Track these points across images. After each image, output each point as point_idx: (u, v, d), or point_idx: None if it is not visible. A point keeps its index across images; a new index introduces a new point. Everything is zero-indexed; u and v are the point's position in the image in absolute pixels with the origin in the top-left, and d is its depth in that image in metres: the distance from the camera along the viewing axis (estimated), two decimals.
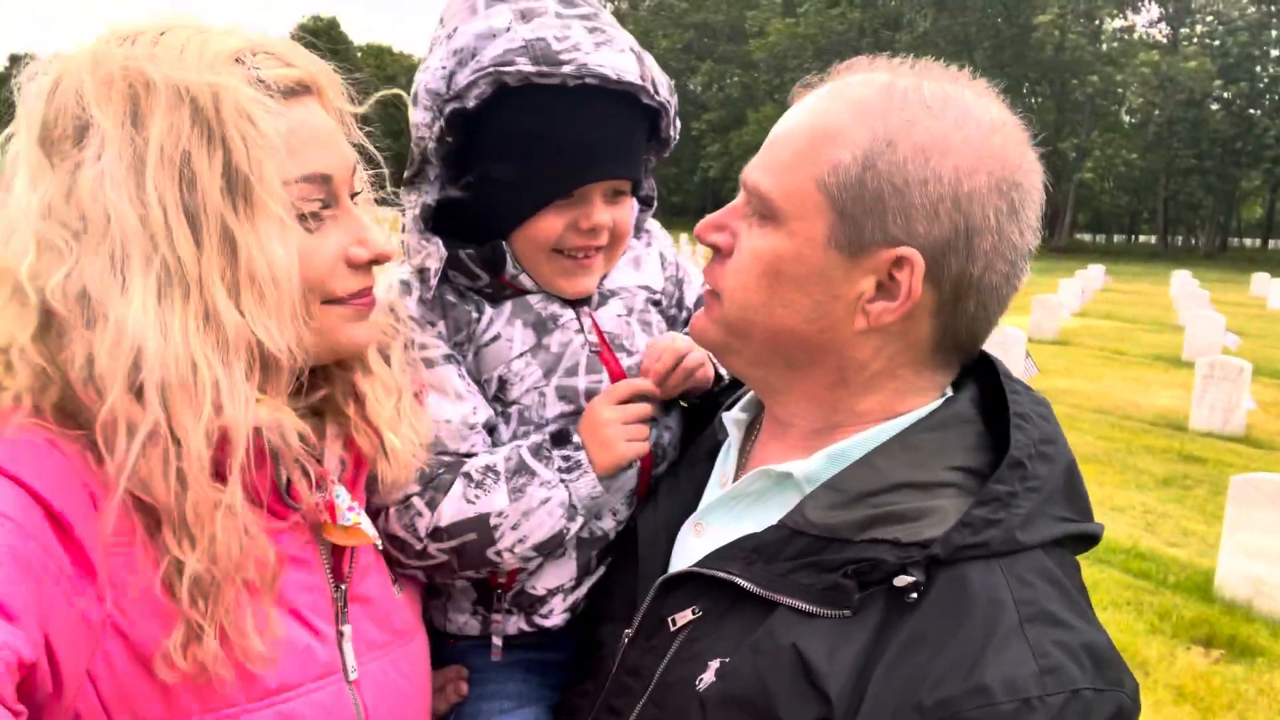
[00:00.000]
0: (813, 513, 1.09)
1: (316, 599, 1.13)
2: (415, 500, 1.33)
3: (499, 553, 1.35)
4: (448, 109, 1.32)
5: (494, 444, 1.42)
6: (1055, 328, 16.94)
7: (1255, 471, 6.15)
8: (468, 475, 1.35)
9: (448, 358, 1.40)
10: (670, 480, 1.44)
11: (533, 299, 1.45)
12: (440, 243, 1.39)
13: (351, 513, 1.15)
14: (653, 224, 1.63)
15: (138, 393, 0.94)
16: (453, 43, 1.33)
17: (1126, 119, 63.96)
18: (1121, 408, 11.14)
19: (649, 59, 1.38)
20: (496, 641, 1.46)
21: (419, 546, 1.33)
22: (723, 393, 1.58)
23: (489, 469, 1.35)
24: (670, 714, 1.10)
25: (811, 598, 1.03)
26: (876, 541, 1.03)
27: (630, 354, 1.48)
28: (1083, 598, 1.03)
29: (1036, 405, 1.13)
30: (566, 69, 1.26)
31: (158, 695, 0.98)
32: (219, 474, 1.00)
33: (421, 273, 1.41)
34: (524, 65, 1.26)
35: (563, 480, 1.35)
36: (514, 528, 1.34)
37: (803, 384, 1.17)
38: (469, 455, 1.38)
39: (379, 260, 1.15)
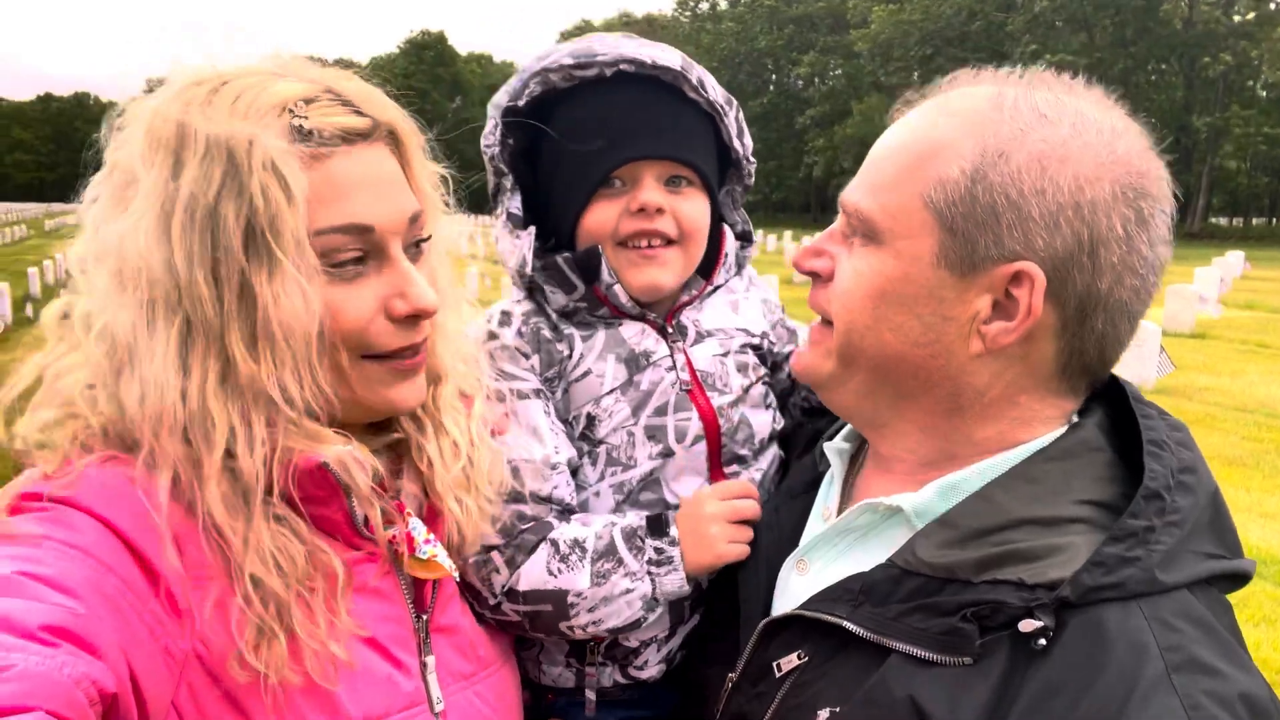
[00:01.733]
0: (925, 551, 1.01)
1: (397, 629, 1.12)
2: (495, 555, 1.31)
3: (571, 627, 1.33)
4: (501, 111, 1.40)
5: (577, 484, 1.40)
6: (1192, 320, 15.87)
7: None
8: (555, 545, 1.32)
9: (537, 392, 1.39)
10: (769, 514, 1.36)
11: (626, 331, 1.42)
12: (532, 232, 1.41)
13: (429, 545, 1.14)
14: (755, 275, 1.61)
15: (166, 436, 0.99)
16: (523, 67, 1.41)
17: (1263, 94, 59.66)
18: (1267, 405, 10.32)
19: (702, 69, 1.41)
20: (590, 695, 1.42)
21: (493, 602, 1.31)
22: (819, 416, 1.50)
23: (577, 544, 1.31)
24: None
25: (927, 643, 0.95)
26: (998, 583, 0.95)
27: (722, 394, 1.43)
28: (1236, 642, 0.92)
29: (1173, 431, 1.02)
30: (602, 58, 1.34)
31: None
32: (290, 500, 1.04)
33: (521, 269, 1.41)
34: (565, 60, 1.35)
35: (650, 574, 1.31)
36: (590, 610, 1.31)
37: (913, 414, 1.09)
38: (548, 499, 1.35)
39: (419, 315, 1.10)
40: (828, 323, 1.13)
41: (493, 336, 1.40)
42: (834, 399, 1.19)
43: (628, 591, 1.30)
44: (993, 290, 1.00)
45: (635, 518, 1.34)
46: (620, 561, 1.30)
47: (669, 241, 1.39)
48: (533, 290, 1.44)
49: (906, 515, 1.06)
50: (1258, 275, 27.27)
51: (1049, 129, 0.98)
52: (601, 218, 1.38)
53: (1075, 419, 1.09)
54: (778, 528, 1.32)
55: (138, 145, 1.02)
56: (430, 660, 1.15)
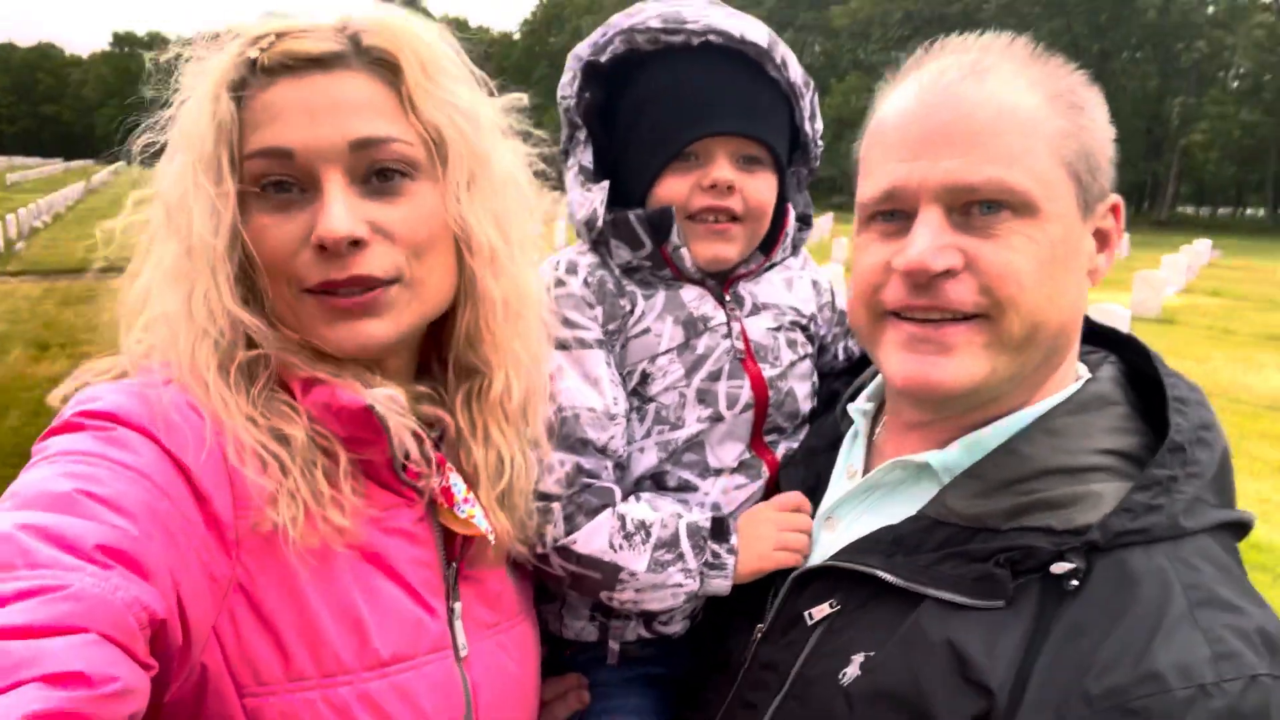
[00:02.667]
0: (956, 502, 1.05)
1: (428, 574, 1.13)
2: (555, 507, 1.32)
3: (611, 598, 1.36)
4: (582, 64, 1.41)
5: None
6: (1159, 305, 16.17)
7: None
8: (621, 519, 1.33)
9: (600, 343, 1.40)
10: (790, 471, 1.40)
11: (686, 295, 1.44)
12: (605, 186, 1.43)
13: (468, 504, 1.15)
14: (809, 258, 1.62)
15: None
16: (607, 22, 1.42)
17: (1235, 84, 60.39)
18: (1231, 390, 10.59)
19: (786, 48, 1.41)
20: (614, 646, 1.46)
21: (541, 551, 1.33)
22: (837, 376, 1.54)
23: (643, 526, 1.34)
24: (813, 708, 1.07)
25: (962, 589, 0.99)
26: (1027, 529, 0.99)
27: (773, 366, 1.45)
28: (1248, 583, 0.97)
29: (1193, 390, 1.08)
30: (691, 26, 1.34)
31: (278, 655, 1.01)
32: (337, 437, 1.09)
33: (590, 223, 1.42)
34: (653, 23, 1.36)
35: (702, 574, 1.33)
36: (637, 590, 1.34)
37: (1036, 373, 1.09)
38: (604, 449, 1.37)
39: (324, 244, 1.03)
40: (965, 318, 1.04)
41: (559, 284, 1.41)
42: (975, 398, 1.08)
43: (678, 585, 1.33)
44: (1096, 225, 1.08)
45: (701, 516, 1.36)
46: (681, 556, 1.33)
47: (735, 218, 1.40)
48: (597, 244, 1.46)
49: (934, 471, 1.10)
50: (1224, 263, 27.79)
51: (1072, 73, 1.08)
52: (674, 189, 1.39)
53: (1086, 373, 1.14)
54: (800, 485, 1.36)
55: (172, 79, 1.11)
56: (458, 607, 1.16)
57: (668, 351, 1.41)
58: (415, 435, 1.10)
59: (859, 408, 1.29)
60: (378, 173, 1.07)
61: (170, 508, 0.93)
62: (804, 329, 1.53)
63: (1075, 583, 0.93)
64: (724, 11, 1.38)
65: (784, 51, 1.40)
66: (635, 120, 1.42)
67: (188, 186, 1.03)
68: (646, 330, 1.42)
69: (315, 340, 1.08)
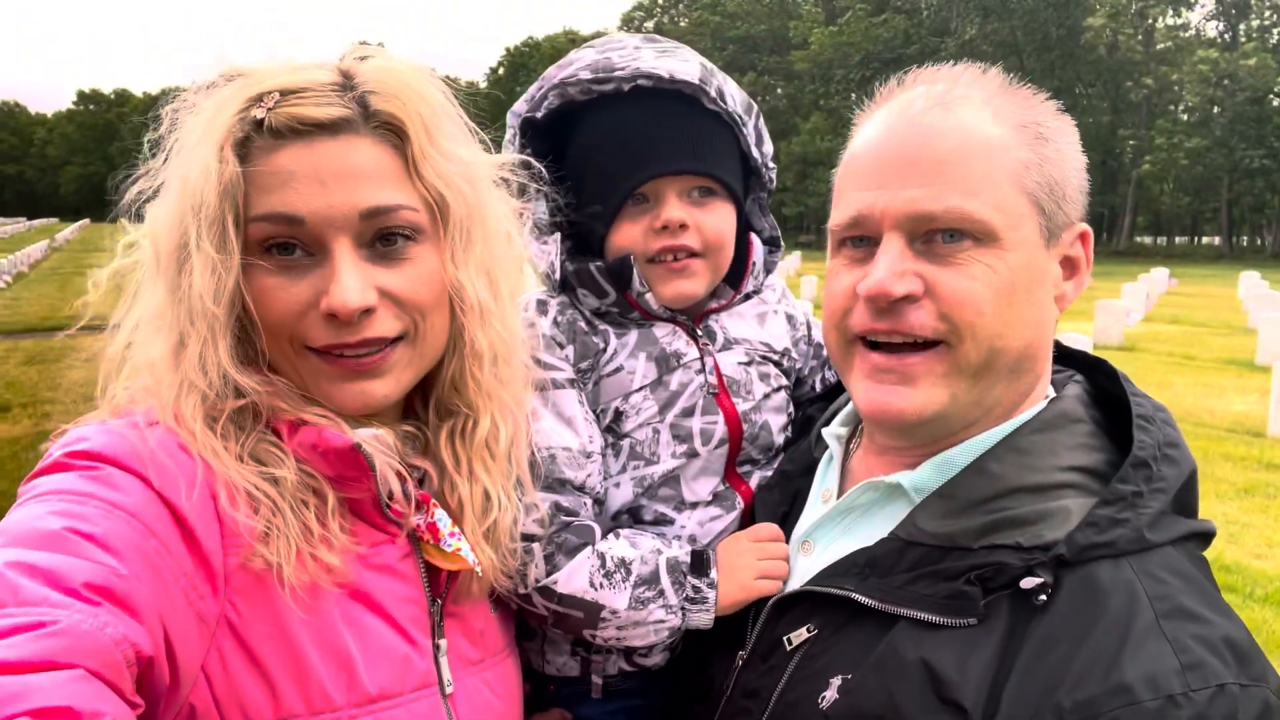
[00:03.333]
0: (926, 522, 1.08)
1: (414, 611, 1.14)
2: (535, 547, 1.33)
3: (594, 635, 1.37)
4: (520, 121, 1.43)
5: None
6: (1120, 333, 16.51)
7: None
8: (602, 559, 1.34)
9: (572, 382, 1.42)
10: (765, 497, 1.42)
11: (658, 332, 1.46)
12: (558, 239, 1.45)
13: (454, 539, 1.17)
14: (784, 287, 1.64)
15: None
16: (542, 76, 1.44)
17: (1184, 117, 62.33)
18: (1195, 415, 10.78)
19: (724, 77, 1.44)
20: (596, 680, 1.46)
21: (523, 591, 1.34)
22: (811, 403, 1.57)
23: (623, 564, 1.34)
24: None
25: (934, 607, 1.01)
26: (996, 547, 1.02)
27: (745, 400, 1.47)
28: (1215, 592, 1.00)
29: (1158, 410, 1.11)
30: (619, 73, 1.37)
31: (266, 694, 1.01)
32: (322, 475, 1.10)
33: (550, 273, 1.44)
34: (583, 74, 1.38)
35: (683, 609, 1.35)
36: (619, 628, 1.35)
37: (1005, 395, 1.11)
38: (582, 488, 1.38)
39: (334, 315, 1.06)
40: (923, 345, 1.07)
41: (529, 325, 1.42)
42: (941, 425, 1.11)
43: (660, 622, 1.34)
44: (1064, 253, 1.11)
45: (680, 550, 1.37)
46: (661, 593, 1.34)
47: (694, 253, 1.42)
48: (564, 288, 1.47)
49: (905, 491, 1.12)
50: (1182, 291, 28.41)
51: (1039, 102, 1.12)
52: (629, 235, 1.41)
53: (1052, 392, 1.17)
54: (774, 512, 1.38)
55: (157, 136, 1.13)
56: (443, 643, 1.17)
57: (641, 389, 1.43)
58: (398, 474, 1.12)
59: (833, 432, 1.32)
60: (383, 237, 1.10)
61: (158, 546, 0.94)
62: (776, 364, 1.55)
63: (1044, 597, 0.96)
64: (654, 51, 1.40)
65: (719, 82, 1.42)
66: (581, 171, 1.43)
67: (188, 243, 1.04)
68: (619, 368, 1.44)
69: (317, 395, 1.11)
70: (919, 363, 1.07)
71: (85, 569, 0.85)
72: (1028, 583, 0.96)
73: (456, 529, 1.18)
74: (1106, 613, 0.93)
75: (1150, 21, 60.54)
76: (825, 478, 1.32)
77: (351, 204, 1.06)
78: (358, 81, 1.11)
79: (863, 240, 1.12)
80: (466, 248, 1.16)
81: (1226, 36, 62.41)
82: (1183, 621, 0.92)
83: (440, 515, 1.18)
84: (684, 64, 1.38)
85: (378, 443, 1.11)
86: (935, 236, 1.06)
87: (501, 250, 1.23)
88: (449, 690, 1.15)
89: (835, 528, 1.21)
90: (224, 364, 1.05)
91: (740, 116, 1.45)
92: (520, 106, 1.46)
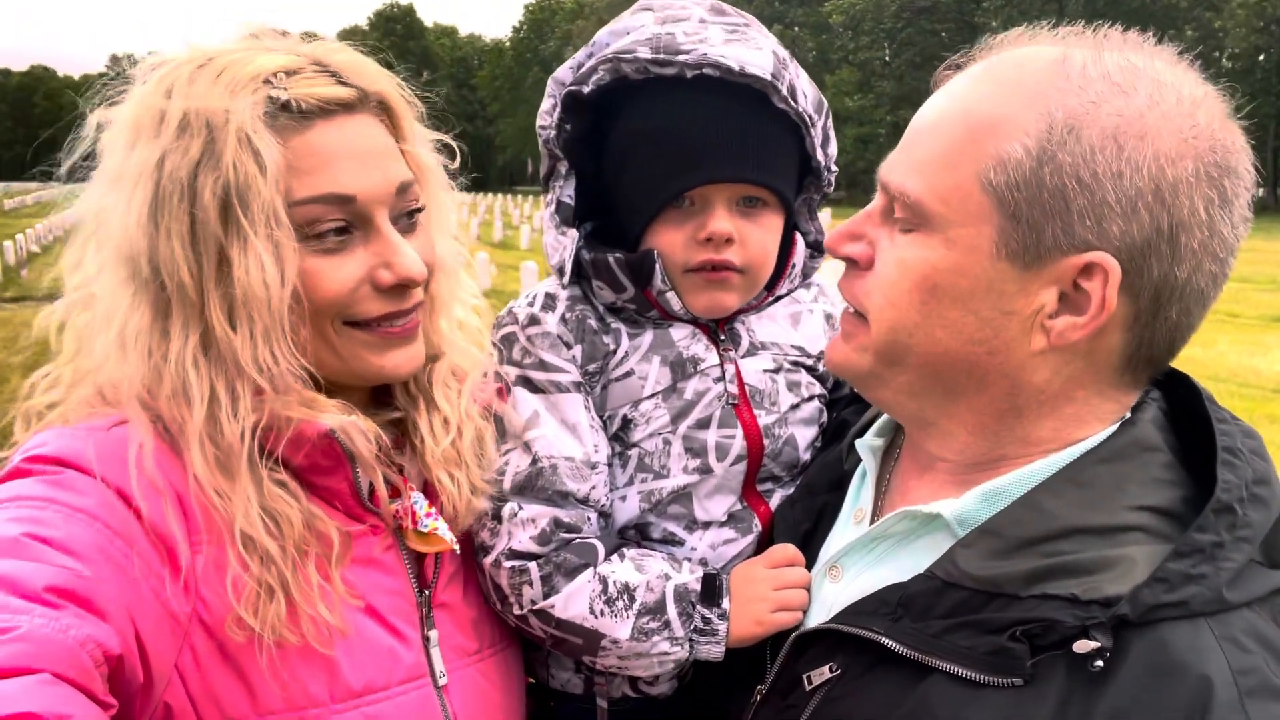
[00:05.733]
0: (968, 562, 0.95)
1: (399, 602, 1.13)
2: (532, 567, 1.23)
3: (594, 662, 1.27)
4: (563, 93, 1.28)
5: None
6: None
7: None
8: (604, 583, 1.24)
9: (578, 386, 1.31)
10: (786, 513, 1.30)
11: (676, 334, 1.34)
12: (575, 234, 1.33)
13: (430, 519, 1.15)
14: (827, 284, 1.49)
15: (144, 402, 1.04)
16: (592, 41, 1.29)
17: (1229, 64, 60.22)
18: (1239, 374, 10.47)
19: (797, 68, 1.28)
20: (601, 704, 1.36)
21: (518, 612, 1.24)
22: (847, 404, 1.44)
23: (627, 589, 1.23)
24: None
25: (973, 663, 0.89)
26: (1048, 598, 0.89)
27: (769, 413, 1.34)
28: None
29: (1248, 439, 0.96)
30: (684, 57, 1.21)
31: (243, 691, 1.00)
32: (293, 469, 1.07)
33: (560, 271, 1.33)
34: (643, 52, 1.22)
35: (691, 641, 1.24)
36: (620, 657, 1.24)
37: (965, 414, 1.02)
38: (586, 500, 1.28)
39: (405, 284, 1.10)
40: (861, 315, 1.04)
41: (534, 321, 1.31)
42: (874, 396, 1.11)
43: (665, 654, 1.23)
44: (1060, 282, 0.91)
45: (690, 576, 1.26)
46: (667, 624, 1.23)
47: (736, 269, 1.29)
48: (580, 278, 1.36)
49: (947, 522, 1.00)
50: None
51: (1123, 100, 0.88)
52: (668, 240, 1.28)
53: (1128, 414, 1.02)
54: (793, 527, 1.26)
55: (123, 124, 1.05)
56: (433, 634, 1.15)
57: (652, 396, 1.31)
58: (379, 460, 1.11)
59: (867, 444, 1.19)
60: (407, 213, 1.13)
61: (123, 547, 0.94)
62: (810, 369, 1.41)
63: (1100, 664, 0.83)
64: (723, 30, 1.24)
65: (791, 77, 1.25)
66: (624, 159, 1.30)
67: (225, 235, 1.00)
68: (630, 373, 1.32)
69: (360, 368, 1.11)
70: (853, 327, 1.06)
71: (46, 573, 0.85)
72: (1082, 646, 0.84)
73: (432, 509, 1.17)
74: (1181, 686, 0.80)
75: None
76: (859, 495, 1.19)
77: (389, 179, 1.09)
78: (330, 65, 1.09)
79: None
80: (439, 214, 1.21)
81: None
82: (1268, 702, 0.79)
83: (416, 498, 1.17)
84: (756, 53, 1.22)
85: (353, 429, 1.08)
86: (899, 209, 0.98)
87: (449, 210, 1.27)
88: (442, 682, 1.14)
89: (867, 555, 1.09)
90: (289, 355, 1.03)
91: (810, 116, 1.29)
92: (564, 74, 1.31)
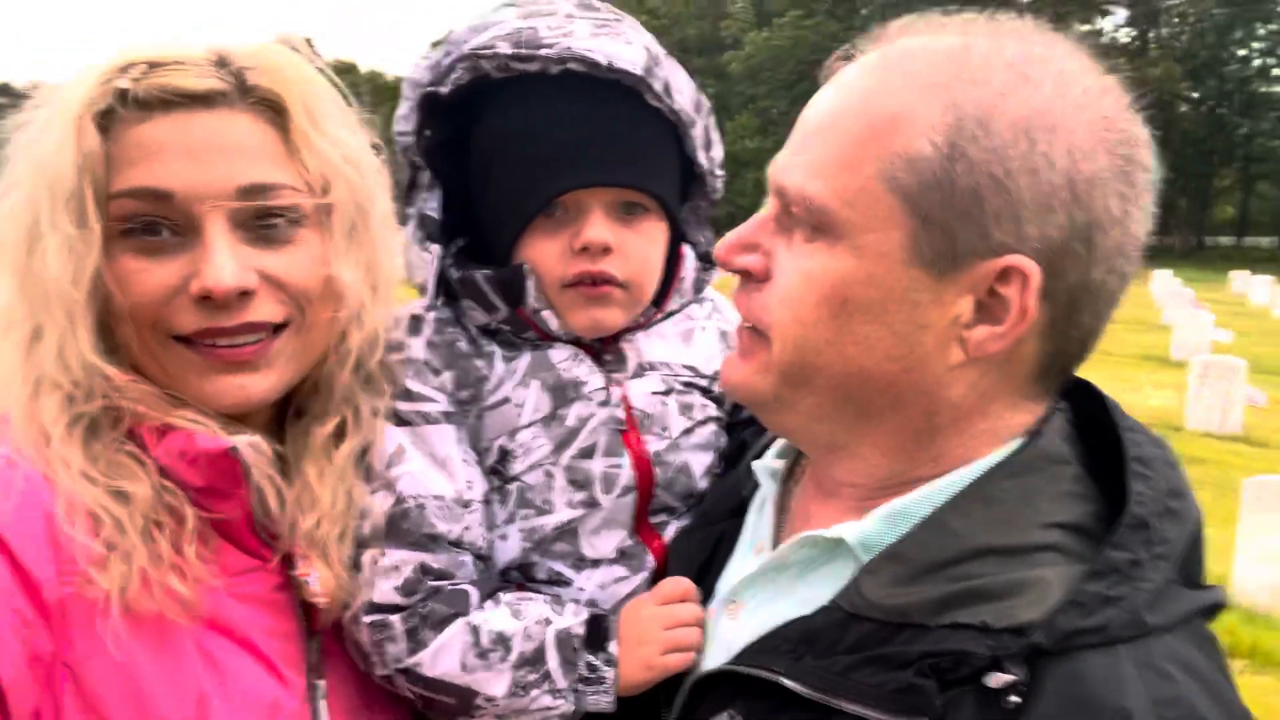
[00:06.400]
0: (873, 590, 0.88)
1: (285, 647, 1.05)
2: (394, 621, 1.10)
3: None
4: (420, 95, 1.18)
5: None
6: None
7: (1259, 472, 6.00)
8: (475, 633, 1.11)
9: (448, 416, 1.19)
10: (680, 544, 1.21)
11: (556, 355, 1.23)
12: (439, 251, 1.21)
13: (303, 564, 1.07)
14: (720, 299, 1.41)
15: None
16: (448, 38, 1.19)
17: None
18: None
19: (674, 65, 1.20)
20: None
21: (382, 671, 1.11)
22: (746, 426, 1.36)
23: (501, 640, 1.11)
24: None
25: (880, 703, 0.81)
26: (958, 626, 0.82)
27: (661, 439, 1.25)
28: (1231, 688, 0.82)
29: (1157, 448, 0.91)
30: (547, 52, 1.12)
31: None
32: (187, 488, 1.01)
33: (423, 290, 1.22)
34: (503, 48, 1.12)
35: (576, 691, 1.12)
36: (498, 717, 1.12)
37: (879, 436, 0.94)
38: (458, 543, 1.15)
39: (207, 296, 0.98)
40: (760, 332, 0.95)
41: (398, 346, 1.19)
42: (777, 421, 1.01)
43: (546, 709, 1.11)
44: (975, 290, 0.85)
45: (574, 619, 1.15)
46: (547, 676, 1.11)
47: (616, 283, 1.20)
48: (451, 297, 1.24)
49: (851, 548, 0.92)
50: None
51: (1031, 90, 0.82)
52: (540, 254, 1.18)
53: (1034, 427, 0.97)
54: (687, 558, 1.17)
55: (16, 122, 1.04)
56: (321, 684, 1.07)
57: (531, 424, 1.20)
58: (277, 488, 1.04)
59: (766, 466, 1.11)
60: (263, 220, 1.02)
61: None
62: (704, 390, 1.32)
63: (1015, 699, 0.76)
64: (591, 24, 1.15)
65: (666, 74, 1.18)
66: (488, 165, 1.20)
67: (40, 224, 0.96)
68: (505, 400, 1.20)
69: (186, 392, 1.02)
70: (752, 345, 0.96)
71: None
72: (995, 680, 0.76)
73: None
74: None
75: (1068, 26, 62.46)
76: (759, 523, 1.11)
77: (228, 178, 1.00)
78: (233, 58, 1.04)
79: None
80: (349, 238, 1.09)
81: (1136, 44, 64.79)
82: None
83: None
84: (626, 48, 1.14)
85: (253, 449, 1.02)
86: (791, 215, 0.90)
87: (383, 242, 1.16)
88: None
89: (768, 587, 1.00)
90: (86, 355, 0.97)
91: (689, 115, 1.21)
92: (421, 74, 1.21)
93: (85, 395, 0.98)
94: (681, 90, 1.20)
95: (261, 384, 1.04)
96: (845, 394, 0.91)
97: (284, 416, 1.14)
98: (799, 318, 0.89)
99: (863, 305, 0.86)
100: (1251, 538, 5.35)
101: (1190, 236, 65.92)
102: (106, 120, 0.98)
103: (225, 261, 0.98)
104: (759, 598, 1.01)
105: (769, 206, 0.94)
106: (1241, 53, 60.47)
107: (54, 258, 0.95)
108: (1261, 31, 58.22)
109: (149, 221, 0.99)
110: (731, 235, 0.97)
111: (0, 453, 0.96)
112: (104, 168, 0.97)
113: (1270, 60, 60.25)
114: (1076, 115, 0.83)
